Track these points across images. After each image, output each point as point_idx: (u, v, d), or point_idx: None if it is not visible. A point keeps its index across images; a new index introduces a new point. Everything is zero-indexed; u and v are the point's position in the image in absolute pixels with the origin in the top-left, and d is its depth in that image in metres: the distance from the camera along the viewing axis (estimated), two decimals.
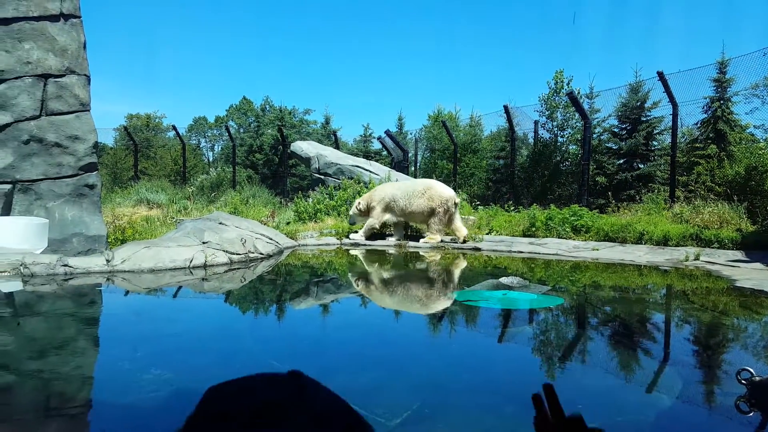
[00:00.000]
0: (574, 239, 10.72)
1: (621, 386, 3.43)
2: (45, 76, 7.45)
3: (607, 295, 6.36)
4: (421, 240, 10.96)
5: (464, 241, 10.56)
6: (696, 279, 7.25)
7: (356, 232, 11.32)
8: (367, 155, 23.38)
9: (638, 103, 16.17)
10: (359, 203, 11.36)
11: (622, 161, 16.41)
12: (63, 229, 7.50)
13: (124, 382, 3.25)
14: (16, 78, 7.24)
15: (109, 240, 8.07)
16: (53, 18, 7.52)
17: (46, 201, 7.43)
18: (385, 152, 23.76)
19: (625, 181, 15.64)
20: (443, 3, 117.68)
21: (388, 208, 11.13)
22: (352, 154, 20.01)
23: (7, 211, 7.22)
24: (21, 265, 6.40)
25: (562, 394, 0.80)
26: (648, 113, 16.23)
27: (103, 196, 8.54)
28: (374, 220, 11.11)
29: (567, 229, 11.07)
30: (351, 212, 11.61)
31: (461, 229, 10.73)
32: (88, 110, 7.80)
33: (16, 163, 7.24)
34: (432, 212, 10.75)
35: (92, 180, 7.78)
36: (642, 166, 16.06)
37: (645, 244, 9.87)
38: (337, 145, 21.96)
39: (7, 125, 7.19)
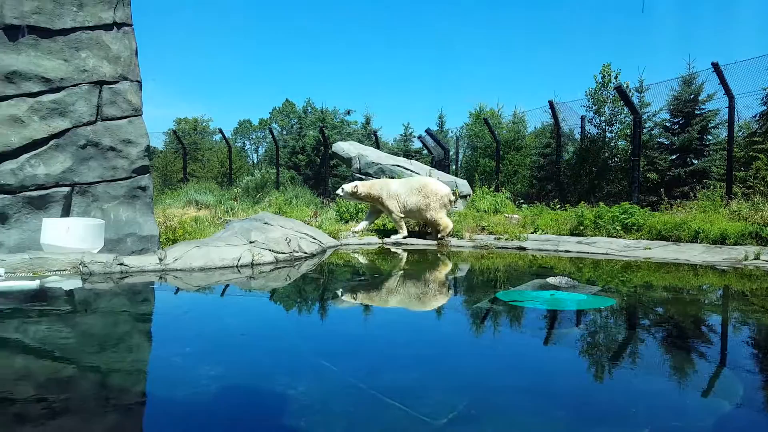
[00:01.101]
0: (624, 238, 10.43)
1: (677, 390, 3.33)
2: (100, 83, 7.76)
3: (661, 295, 6.17)
4: (438, 236, 11.15)
5: (447, 236, 11.11)
6: (756, 279, 6.95)
7: (396, 232, 11.35)
8: (408, 154, 23.38)
9: (691, 96, 15.59)
10: (357, 187, 11.37)
11: (674, 157, 15.86)
12: (118, 230, 7.80)
13: (177, 377, 3.35)
14: (73, 86, 7.57)
15: (160, 240, 8.34)
16: (107, 27, 7.82)
17: (102, 203, 7.75)
18: (425, 151, 23.70)
19: (678, 177, 15.11)
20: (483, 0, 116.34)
21: (397, 203, 11.32)
22: (392, 154, 20.04)
23: (66, 212, 7.56)
24: (80, 264, 6.69)
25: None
26: (702, 106, 15.63)
27: (155, 198, 8.85)
28: (398, 214, 11.25)
29: (617, 228, 10.78)
30: (346, 190, 11.50)
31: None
32: (140, 115, 8.09)
33: (75, 167, 7.58)
34: (426, 208, 11.07)
35: (144, 182, 8.06)
36: (696, 161, 15.49)
37: (700, 242, 9.51)
38: (377, 144, 22.04)
39: (66, 130, 7.52)
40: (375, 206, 11.66)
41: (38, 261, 6.65)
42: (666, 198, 13.08)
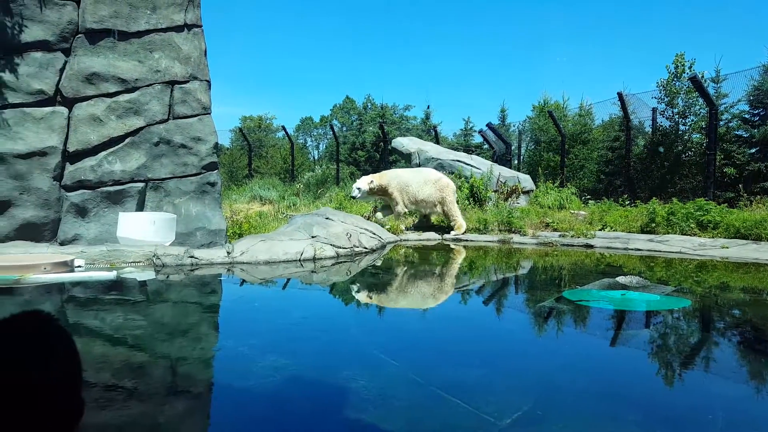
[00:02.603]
0: (699, 236, 9.89)
1: (755, 398, 3.12)
2: (171, 83, 8.09)
3: (739, 297, 5.81)
4: (452, 232, 11.05)
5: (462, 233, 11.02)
6: None
7: (451, 228, 11.26)
8: (468, 149, 23.09)
9: None
10: (372, 181, 10.98)
11: (754, 150, 14.88)
12: (188, 224, 8.12)
13: (243, 367, 3.44)
14: (147, 85, 7.93)
15: (227, 233, 8.62)
16: (178, 29, 8.14)
17: (173, 198, 8.09)
18: (486, 146, 23.34)
19: (758, 172, 14.16)
20: None
21: (404, 196, 11.10)
22: (452, 149, 19.85)
23: (140, 207, 7.94)
24: (153, 256, 7.02)
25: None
26: None
27: (222, 193, 9.15)
28: (402, 208, 11.09)
29: (691, 225, 10.23)
30: (360, 186, 10.97)
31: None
32: (209, 113, 8.38)
33: (148, 163, 7.94)
34: (442, 202, 11.01)
35: (213, 178, 8.35)
36: None
37: None
38: (437, 139, 21.90)
39: (141, 129, 7.90)
40: (386, 202, 11.35)
41: (115, 253, 7.02)
42: (745, 194, 12.30)
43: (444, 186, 11.14)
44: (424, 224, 11.74)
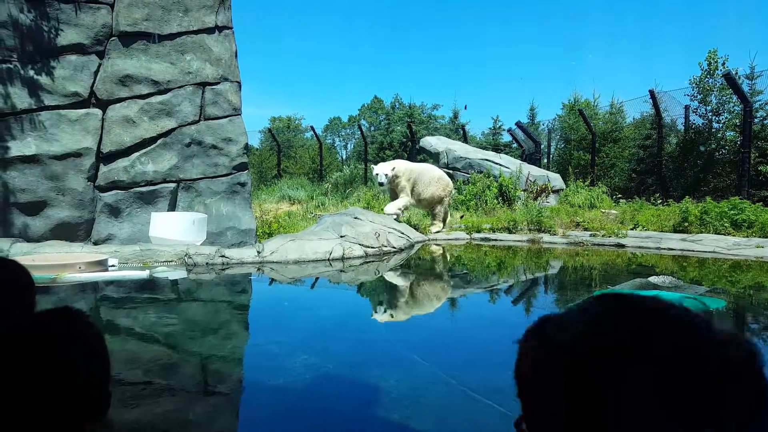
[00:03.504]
0: (734, 235, 9.62)
1: None
2: (203, 84, 8.21)
3: None
4: (433, 228, 11.05)
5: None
6: None
7: (472, 229, 11.14)
8: (497, 148, 22.89)
9: None
10: (394, 168, 10.83)
11: None
12: (219, 223, 8.23)
13: (273, 365, 3.47)
14: (179, 87, 8.07)
15: (257, 233, 8.72)
16: (209, 30, 8.26)
17: (204, 198, 8.21)
18: (515, 144, 23.11)
19: None
20: None
21: (412, 190, 10.96)
22: (480, 148, 19.71)
23: (172, 207, 8.08)
24: (185, 256, 7.13)
25: None
26: None
27: (251, 193, 9.25)
28: (408, 199, 10.93)
29: (725, 225, 9.96)
30: (386, 173, 10.75)
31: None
32: (240, 114, 8.48)
33: (180, 164, 8.08)
34: (440, 201, 11.02)
35: (243, 178, 8.45)
36: None
37: None
38: (465, 139, 21.76)
39: (173, 130, 8.04)
40: (394, 192, 11.15)
41: (148, 252, 7.16)
42: None
43: (445, 185, 11.20)
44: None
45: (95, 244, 7.68)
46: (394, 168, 10.76)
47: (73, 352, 0.89)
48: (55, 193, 7.53)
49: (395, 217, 10.55)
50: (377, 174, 10.87)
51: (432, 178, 11.08)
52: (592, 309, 0.67)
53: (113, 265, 6.72)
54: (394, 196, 11.14)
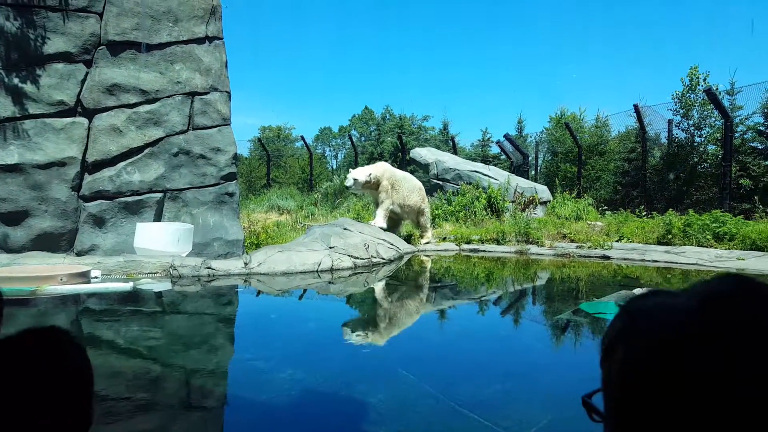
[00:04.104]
0: (716, 248, 9.74)
1: None
2: (192, 94, 8.19)
3: None
4: (422, 240, 11.06)
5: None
6: None
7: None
8: (486, 160, 23.01)
9: None
10: (370, 174, 10.34)
11: None
12: (205, 234, 8.17)
13: (259, 380, 3.43)
14: (167, 97, 8.03)
15: (245, 244, 8.66)
16: (200, 41, 8.25)
17: (191, 208, 8.15)
18: (503, 156, 23.25)
19: None
20: (565, 3, 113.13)
21: (395, 196, 10.65)
22: (470, 159, 19.80)
23: (158, 217, 8.01)
24: (170, 267, 7.06)
25: None
26: None
27: (240, 203, 9.20)
28: (390, 202, 10.57)
29: (708, 237, 10.09)
30: (356, 177, 10.31)
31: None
32: (229, 124, 8.46)
33: (167, 174, 8.02)
34: (422, 212, 11.00)
35: (231, 188, 8.41)
36: None
37: None
38: (455, 150, 21.87)
39: (160, 139, 7.99)
40: (374, 194, 10.81)
41: (132, 264, 7.08)
42: (761, 205, 12.10)
43: (424, 196, 11.22)
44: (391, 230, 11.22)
45: (78, 255, 7.59)
46: (370, 174, 10.37)
47: (58, 374, 0.88)
48: (37, 203, 7.43)
49: (383, 227, 10.41)
50: (348, 178, 10.50)
51: (414, 187, 11.03)
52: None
53: (96, 277, 6.63)
54: (375, 200, 10.84)
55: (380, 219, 10.47)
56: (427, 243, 11.07)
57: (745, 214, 11.98)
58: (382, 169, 10.61)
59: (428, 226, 11.32)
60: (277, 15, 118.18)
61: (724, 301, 0.56)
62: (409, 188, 10.88)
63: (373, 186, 10.47)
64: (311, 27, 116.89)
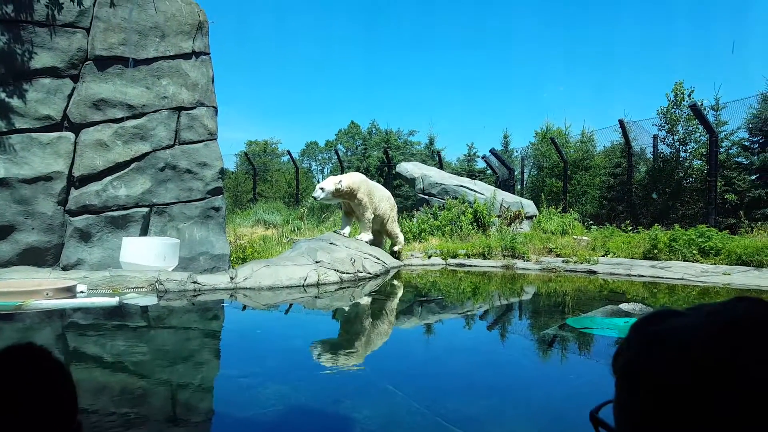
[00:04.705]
0: (701, 262, 9.86)
1: None
2: (178, 109, 8.19)
3: None
4: (396, 247, 10.98)
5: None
6: None
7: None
8: (472, 174, 23.16)
9: None
10: (340, 181, 9.84)
11: (754, 177, 14.93)
12: (191, 249, 8.13)
13: (244, 396, 3.41)
14: (154, 111, 8.03)
15: (231, 258, 8.63)
16: (186, 56, 8.28)
17: (177, 222, 8.12)
18: (489, 171, 23.44)
19: (759, 198, 14.17)
20: (551, 19, 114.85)
21: (370, 203, 10.30)
22: (456, 174, 19.93)
23: (144, 231, 7.97)
24: (156, 282, 7.01)
25: None
26: None
27: (226, 218, 9.16)
28: (370, 215, 10.22)
29: (693, 252, 10.21)
30: (324, 186, 9.82)
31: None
32: (215, 139, 8.46)
33: (153, 188, 7.99)
34: (393, 220, 10.93)
35: (218, 203, 8.39)
36: None
37: None
38: (440, 165, 22.00)
39: (147, 154, 7.97)
40: (349, 206, 10.38)
41: (118, 278, 7.02)
42: (746, 220, 12.28)
43: (393, 204, 11.10)
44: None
45: (64, 269, 7.51)
46: (340, 181, 9.84)
47: (33, 394, 0.87)
48: (23, 217, 7.36)
49: (370, 240, 10.25)
50: (316, 188, 9.98)
51: (384, 196, 10.86)
52: None
53: (82, 292, 6.56)
54: (348, 210, 10.47)
55: (366, 232, 10.28)
56: (400, 250, 10.89)
57: (731, 229, 12.15)
58: (358, 180, 10.18)
59: (398, 231, 11.16)
60: (263, 31, 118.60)
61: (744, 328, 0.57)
62: (379, 197, 10.65)
63: (345, 195, 9.99)
64: (298, 42, 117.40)
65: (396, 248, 11.02)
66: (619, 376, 0.66)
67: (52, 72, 7.58)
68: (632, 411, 0.62)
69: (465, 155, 26.11)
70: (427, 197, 15.90)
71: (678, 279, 8.68)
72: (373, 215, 10.32)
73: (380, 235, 11.24)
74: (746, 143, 15.50)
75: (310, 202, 16.72)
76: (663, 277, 8.87)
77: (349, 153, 44.04)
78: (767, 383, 0.50)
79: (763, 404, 0.50)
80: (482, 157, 24.04)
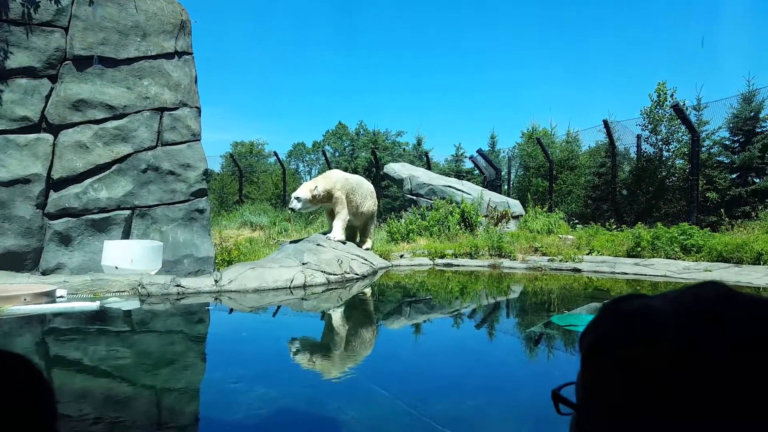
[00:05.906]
0: (683, 260, 9.97)
1: None
2: (161, 110, 8.08)
3: None
4: (364, 246, 10.68)
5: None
6: None
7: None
8: (459, 175, 23.21)
9: (752, 114, 14.90)
10: (316, 187, 9.52)
11: (734, 176, 15.13)
12: (175, 251, 8.02)
13: (230, 399, 3.35)
14: (136, 112, 7.91)
15: (216, 261, 8.52)
16: (169, 56, 8.16)
17: (160, 225, 8.00)
18: (477, 171, 23.49)
19: (739, 196, 14.35)
20: (536, 20, 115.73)
21: (350, 203, 10.02)
22: (443, 174, 19.96)
23: (126, 234, 7.84)
24: (139, 285, 6.90)
25: None
26: (763, 124, 14.91)
27: (211, 219, 9.03)
28: (346, 212, 9.89)
29: (675, 249, 10.31)
30: (299, 196, 9.52)
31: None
32: (199, 140, 8.35)
33: (135, 190, 7.87)
34: (373, 217, 10.83)
35: (202, 205, 8.28)
36: (758, 180, 14.69)
37: (764, 264, 8.99)
38: (428, 165, 22.00)
39: (128, 155, 7.85)
40: (329, 206, 10.05)
41: (99, 282, 6.90)
42: (726, 218, 12.42)
43: (376, 200, 10.92)
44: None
45: (43, 274, 7.36)
46: (316, 186, 9.55)
47: (9, 401, 0.82)
48: (0, 221, 7.20)
49: (341, 240, 9.82)
50: (292, 199, 9.63)
51: (368, 192, 10.62)
52: None
53: (62, 296, 6.43)
54: (330, 212, 10.15)
55: (338, 231, 9.82)
56: (368, 249, 10.58)
57: (712, 227, 12.28)
58: (333, 180, 9.83)
59: (372, 231, 11.00)
60: (249, 31, 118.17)
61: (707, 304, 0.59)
62: (363, 194, 10.39)
63: (325, 199, 9.73)
64: (284, 43, 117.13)
65: (364, 247, 10.70)
66: (587, 353, 0.65)
67: (29, 72, 7.43)
68: (599, 387, 0.63)
69: (453, 156, 26.15)
70: (415, 198, 15.88)
71: (661, 276, 8.74)
72: (348, 216, 10.03)
73: (354, 233, 10.86)
74: (727, 142, 15.70)
75: (288, 214, 16.30)
76: (646, 275, 8.92)
77: (336, 154, 43.98)
78: (723, 357, 0.52)
79: (724, 382, 0.51)
80: (470, 158, 24.08)
